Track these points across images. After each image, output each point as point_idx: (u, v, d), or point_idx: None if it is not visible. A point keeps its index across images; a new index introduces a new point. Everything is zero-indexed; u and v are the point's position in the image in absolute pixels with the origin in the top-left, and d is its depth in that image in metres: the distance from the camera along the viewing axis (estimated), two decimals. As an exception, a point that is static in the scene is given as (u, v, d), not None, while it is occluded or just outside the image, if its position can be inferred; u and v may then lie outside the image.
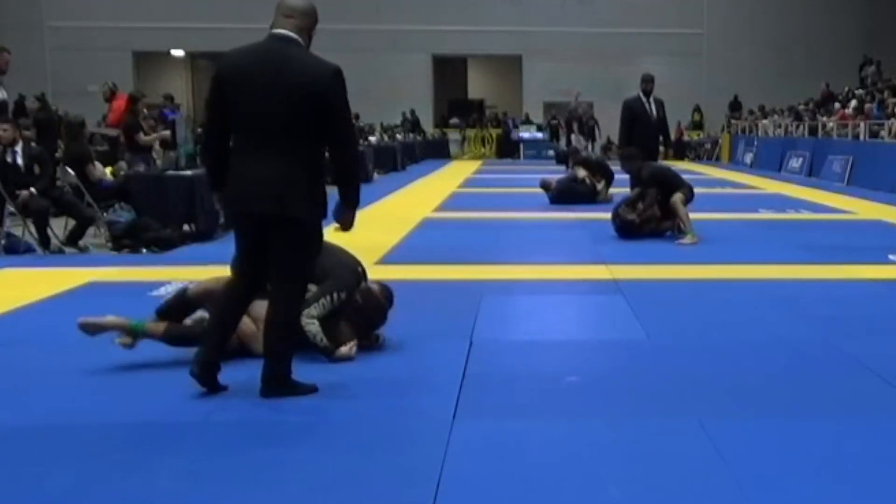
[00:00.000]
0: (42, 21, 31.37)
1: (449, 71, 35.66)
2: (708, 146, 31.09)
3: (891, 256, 8.47)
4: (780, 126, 26.17)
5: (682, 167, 18.72)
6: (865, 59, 28.57)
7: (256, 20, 24.76)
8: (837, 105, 23.81)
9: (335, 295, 4.73)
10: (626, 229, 9.54)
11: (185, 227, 9.43)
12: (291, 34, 4.01)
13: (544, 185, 14.10)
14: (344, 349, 4.72)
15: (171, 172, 9.61)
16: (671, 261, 8.20)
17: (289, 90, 3.91)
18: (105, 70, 25.12)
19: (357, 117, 21.11)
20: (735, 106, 32.10)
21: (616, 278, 7.27)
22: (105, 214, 9.51)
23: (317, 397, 4.08)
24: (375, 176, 20.02)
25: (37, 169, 8.94)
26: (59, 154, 10.89)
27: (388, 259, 8.21)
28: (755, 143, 26.86)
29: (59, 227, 9.30)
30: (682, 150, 29.48)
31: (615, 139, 31.55)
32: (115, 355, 4.56)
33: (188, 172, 9.56)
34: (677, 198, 9.39)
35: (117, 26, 31.16)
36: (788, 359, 4.87)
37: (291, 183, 3.94)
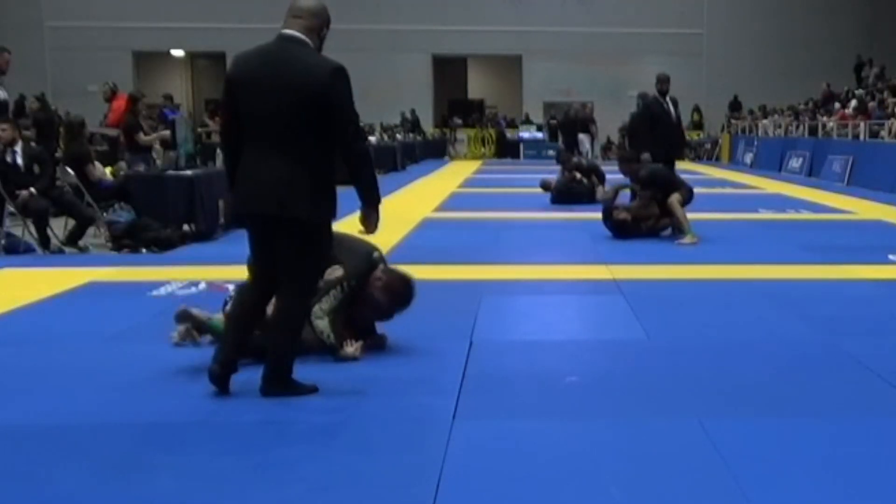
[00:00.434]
0: (41, 21, 31.37)
1: (449, 71, 35.64)
2: (708, 146, 31.08)
3: (891, 256, 8.47)
4: (780, 126, 26.17)
5: (683, 167, 18.70)
6: (859, 59, 28.58)
7: (257, 20, 24.94)
8: (837, 105, 23.80)
9: (344, 284, 4.71)
10: (621, 228, 9.53)
11: (185, 227, 9.41)
12: (298, 34, 4.02)
13: (544, 186, 14.11)
14: (350, 349, 4.71)
15: (170, 172, 9.60)
16: (671, 261, 8.20)
17: (290, 90, 3.91)
18: (105, 70, 25.14)
19: (357, 117, 21.06)
20: (735, 106, 32.12)
21: (616, 278, 7.27)
22: (105, 214, 9.50)
23: (317, 397, 4.08)
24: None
25: (36, 169, 8.94)
26: (58, 154, 10.88)
27: (388, 259, 8.17)
28: (755, 143, 26.85)
29: (59, 227, 9.30)
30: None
31: (615, 139, 31.40)
32: (116, 355, 4.56)
33: (188, 172, 9.55)
34: (674, 198, 9.38)
35: (117, 26, 31.16)
36: (788, 359, 4.87)
37: (292, 183, 3.95)
